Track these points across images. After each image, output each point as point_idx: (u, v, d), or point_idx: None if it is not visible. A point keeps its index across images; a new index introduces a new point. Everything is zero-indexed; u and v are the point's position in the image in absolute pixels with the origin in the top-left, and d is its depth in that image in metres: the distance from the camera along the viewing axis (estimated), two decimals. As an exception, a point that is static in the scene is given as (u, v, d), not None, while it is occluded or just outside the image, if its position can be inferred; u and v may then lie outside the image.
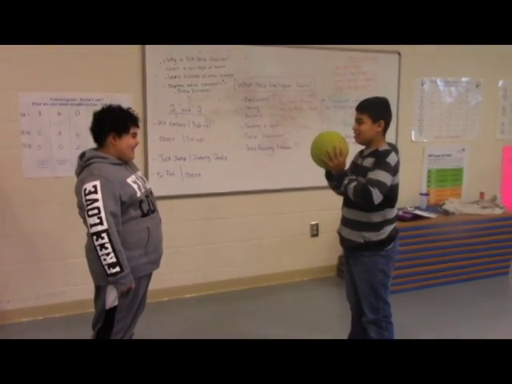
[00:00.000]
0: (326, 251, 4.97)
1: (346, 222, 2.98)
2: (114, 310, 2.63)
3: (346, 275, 3.14)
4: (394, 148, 2.90)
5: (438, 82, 5.30)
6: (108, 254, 2.45)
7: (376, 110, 2.87)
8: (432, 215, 4.88)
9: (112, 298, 2.62)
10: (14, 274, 3.90)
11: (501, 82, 5.62)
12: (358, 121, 2.90)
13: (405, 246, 4.58)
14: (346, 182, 2.80)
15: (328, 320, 3.99)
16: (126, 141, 2.64)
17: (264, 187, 4.58)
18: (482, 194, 5.41)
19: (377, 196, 2.68)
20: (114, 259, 2.46)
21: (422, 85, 5.22)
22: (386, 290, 2.95)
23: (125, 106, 2.73)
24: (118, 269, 2.48)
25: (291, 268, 4.86)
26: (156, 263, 2.80)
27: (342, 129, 4.76)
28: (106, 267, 2.47)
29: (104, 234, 2.44)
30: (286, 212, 4.74)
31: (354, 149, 3.01)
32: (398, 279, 4.57)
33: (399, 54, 4.97)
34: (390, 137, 5.02)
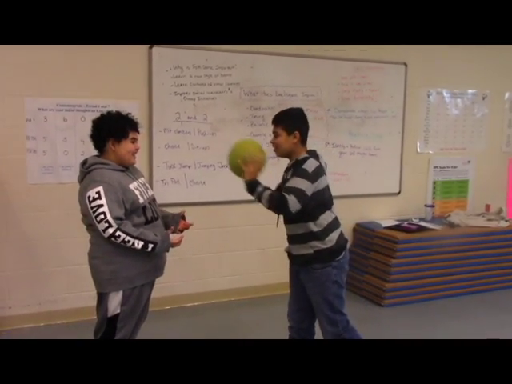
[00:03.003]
0: (330, 262, 4.93)
1: (291, 238, 2.92)
2: (115, 317, 2.62)
3: (293, 290, 3.08)
4: (313, 154, 2.84)
5: (444, 94, 5.28)
6: (133, 244, 2.51)
7: (289, 122, 2.83)
8: (437, 227, 4.86)
9: (114, 305, 2.61)
10: (16, 280, 3.88)
11: (507, 95, 5.60)
12: (274, 134, 2.87)
13: (409, 258, 4.57)
14: (260, 189, 2.72)
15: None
16: (125, 146, 2.64)
17: (268, 196, 4.56)
18: (487, 207, 5.38)
19: (292, 202, 2.61)
20: (142, 243, 2.53)
21: (428, 96, 5.21)
22: (340, 301, 2.88)
23: (130, 112, 2.73)
24: (151, 246, 2.55)
25: (295, 278, 4.81)
26: (160, 270, 2.79)
27: (348, 139, 4.81)
28: (143, 251, 2.55)
29: (118, 233, 2.48)
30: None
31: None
32: (402, 291, 4.54)
33: (406, 64, 4.97)
34: (395, 148, 5.06)
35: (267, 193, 2.70)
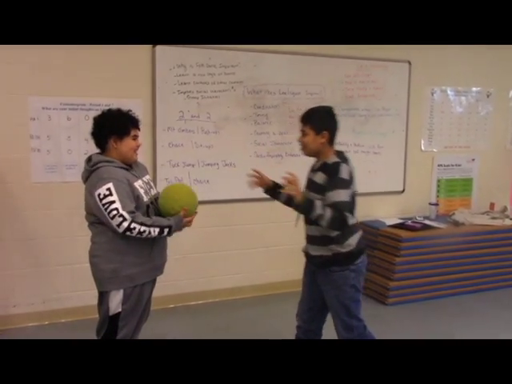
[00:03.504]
0: (334, 260, 4.93)
1: (310, 239, 2.86)
2: (117, 316, 2.62)
3: (305, 293, 3.03)
4: (343, 158, 2.76)
5: (449, 92, 5.27)
6: (149, 232, 2.53)
7: (318, 121, 2.75)
8: (441, 225, 4.84)
9: (115, 304, 2.61)
10: (21, 279, 3.89)
11: (512, 93, 5.59)
12: (302, 132, 2.80)
13: (413, 256, 4.56)
14: (319, 211, 2.60)
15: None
16: (127, 143, 2.63)
17: (272, 195, 4.56)
18: (492, 205, 5.36)
19: (347, 217, 2.61)
20: (158, 229, 2.56)
21: (432, 94, 5.20)
22: (357, 306, 2.82)
23: (132, 110, 2.72)
24: (166, 230, 2.59)
25: (298, 276, 4.76)
26: (160, 269, 2.79)
27: (352, 137, 4.80)
28: (159, 236, 2.58)
29: (133, 225, 2.48)
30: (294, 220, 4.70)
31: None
32: (406, 289, 4.54)
33: (409, 63, 4.95)
34: (399, 146, 5.05)
35: (328, 215, 2.58)
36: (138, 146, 2.72)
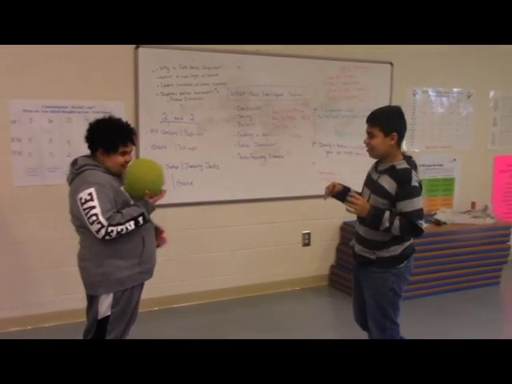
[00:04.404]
0: (318, 261, 4.96)
1: (360, 239, 2.84)
2: (106, 319, 2.62)
3: (354, 293, 2.99)
4: (411, 164, 2.72)
5: (430, 93, 5.32)
6: (127, 228, 2.52)
7: (388, 122, 2.67)
8: (423, 225, 4.88)
9: (104, 307, 2.61)
10: (3, 283, 3.84)
11: (492, 93, 5.65)
12: (369, 134, 2.72)
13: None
14: (387, 224, 2.59)
15: (319, 330, 3.97)
16: (114, 159, 2.61)
17: (256, 196, 4.57)
18: (473, 204, 5.43)
19: (423, 225, 2.62)
20: (133, 221, 2.53)
21: (414, 95, 5.25)
22: (395, 310, 2.79)
23: (121, 116, 2.71)
24: (141, 218, 2.56)
25: (283, 277, 4.83)
26: (149, 273, 2.79)
27: (335, 138, 4.83)
28: (138, 227, 2.57)
29: (110, 229, 2.48)
30: (278, 221, 4.72)
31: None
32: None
33: (391, 64, 5.00)
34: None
35: (397, 224, 2.59)
36: (127, 162, 2.67)
